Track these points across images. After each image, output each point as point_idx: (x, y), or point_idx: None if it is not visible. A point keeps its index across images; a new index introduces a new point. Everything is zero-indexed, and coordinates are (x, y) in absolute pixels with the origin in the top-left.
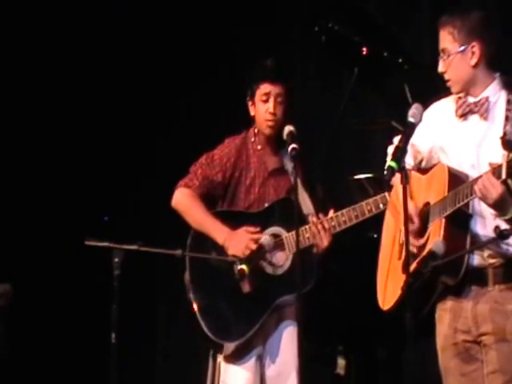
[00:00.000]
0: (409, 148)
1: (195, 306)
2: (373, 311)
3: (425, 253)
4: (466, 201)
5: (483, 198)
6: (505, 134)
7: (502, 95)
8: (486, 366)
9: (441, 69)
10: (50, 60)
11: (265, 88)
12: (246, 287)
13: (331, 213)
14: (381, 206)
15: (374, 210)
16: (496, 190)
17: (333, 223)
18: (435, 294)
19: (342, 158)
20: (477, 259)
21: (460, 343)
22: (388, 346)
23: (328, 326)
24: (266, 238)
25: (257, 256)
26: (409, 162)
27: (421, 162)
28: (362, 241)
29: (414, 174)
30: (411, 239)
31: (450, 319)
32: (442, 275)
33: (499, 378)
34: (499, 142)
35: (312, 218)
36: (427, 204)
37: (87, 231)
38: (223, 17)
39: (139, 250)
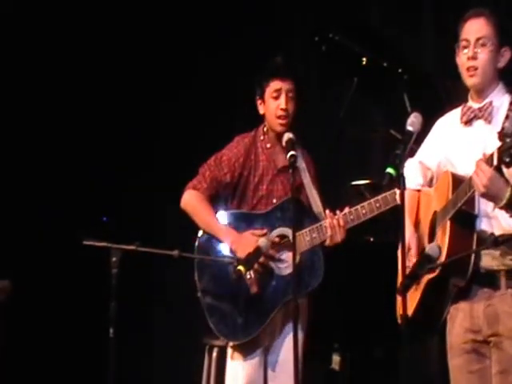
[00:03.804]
0: (418, 166)
1: (203, 306)
2: (368, 310)
3: (421, 256)
4: (465, 198)
5: (475, 186)
6: (503, 128)
7: (506, 99)
8: (494, 365)
9: (471, 54)
10: (48, 58)
11: (275, 85)
12: (254, 288)
13: (346, 209)
14: (389, 202)
15: (382, 206)
16: (486, 174)
17: (351, 217)
18: (450, 299)
19: (341, 166)
20: (488, 262)
21: (470, 342)
22: (384, 345)
23: (325, 324)
24: (263, 240)
25: (254, 257)
26: (419, 181)
27: (431, 179)
28: (358, 244)
29: (424, 191)
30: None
31: (461, 318)
32: (451, 277)
33: (506, 378)
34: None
35: (328, 213)
36: (435, 213)
37: (87, 230)
38: (223, 23)
39: (137, 250)
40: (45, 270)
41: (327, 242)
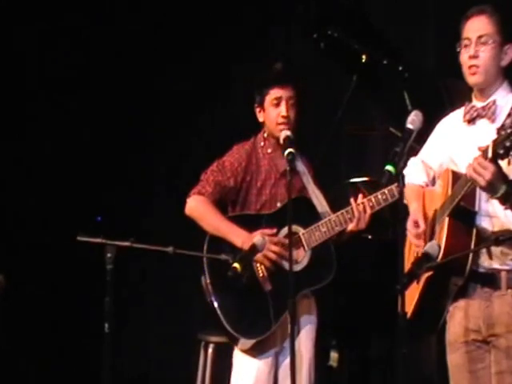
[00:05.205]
0: (420, 165)
1: (217, 308)
2: (366, 308)
3: (420, 254)
4: (462, 192)
5: (476, 182)
6: (503, 125)
7: (511, 98)
8: (493, 365)
9: (473, 52)
10: (47, 58)
11: (276, 93)
12: (266, 285)
13: (361, 197)
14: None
15: (389, 198)
16: (488, 170)
17: (371, 204)
18: (450, 298)
19: (340, 164)
20: (487, 261)
21: (470, 341)
22: (381, 342)
23: (323, 321)
24: (258, 238)
25: (249, 255)
26: (423, 179)
27: (434, 178)
28: (356, 241)
29: (428, 189)
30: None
31: (461, 317)
32: (450, 276)
33: (506, 378)
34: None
35: (353, 201)
36: (435, 211)
37: (81, 226)
38: (221, 28)
39: (132, 246)
40: (40, 265)
41: (351, 227)
